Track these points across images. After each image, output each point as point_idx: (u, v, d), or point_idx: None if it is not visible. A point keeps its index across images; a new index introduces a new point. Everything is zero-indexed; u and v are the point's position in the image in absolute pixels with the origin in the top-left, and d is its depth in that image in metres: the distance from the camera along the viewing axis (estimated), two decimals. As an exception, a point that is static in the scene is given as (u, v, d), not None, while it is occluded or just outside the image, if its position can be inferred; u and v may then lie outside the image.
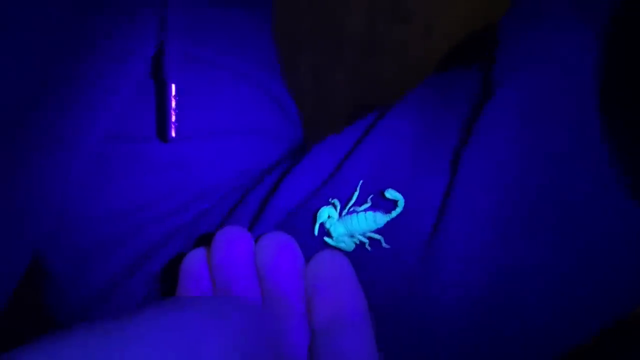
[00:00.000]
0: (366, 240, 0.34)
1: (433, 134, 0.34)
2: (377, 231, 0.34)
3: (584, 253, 0.32)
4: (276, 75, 0.41)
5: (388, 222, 0.34)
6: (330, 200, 0.34)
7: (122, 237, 0.35)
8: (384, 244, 0.34)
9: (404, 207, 0.34)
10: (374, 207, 0.34)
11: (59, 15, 0.33)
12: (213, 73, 0.37)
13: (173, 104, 0.35)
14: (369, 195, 0.34)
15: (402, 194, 0.34)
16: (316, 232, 0.34)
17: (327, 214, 0.34)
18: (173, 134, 0.35)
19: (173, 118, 0.35)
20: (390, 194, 0.34)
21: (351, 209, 0.34)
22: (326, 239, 0.34)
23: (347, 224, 0.34)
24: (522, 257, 0.32)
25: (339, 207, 0.34)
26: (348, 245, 0.34)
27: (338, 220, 0.34)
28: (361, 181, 0.34)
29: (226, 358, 0.26)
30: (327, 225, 0.34)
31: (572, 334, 0.34)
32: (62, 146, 0.34)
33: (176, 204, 0.36)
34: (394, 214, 0.34)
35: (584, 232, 0.32)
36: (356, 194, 0.34)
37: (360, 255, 0.34)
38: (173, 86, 0.35)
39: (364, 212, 0.34)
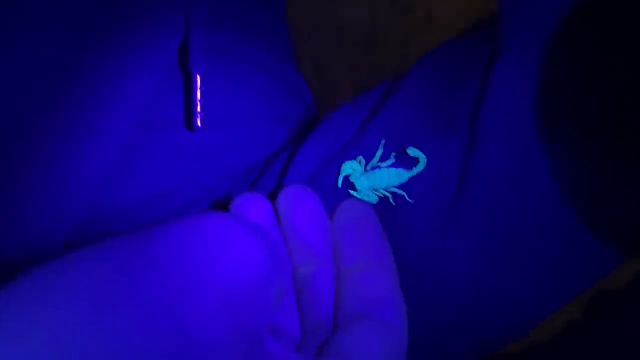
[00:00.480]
0: (389, 195, 0.35)
1: (450, 96, 0.36)
2: (401, 187, 0.35)
3: None
4: (293, 64, 0.42)
5: (411, 179, 0.35)
6: (354, 157, 0.36)
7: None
8: (407, 199, 0.35)
9: (426, 165, 0.35)
10: (397, 164, 0.35)
11: (90, 8, 0.33)
12: (234, 63, 0.38)
13: (198, 94, 0.36)
14: (392, 153, 0.35)
15: (424, 153, 0.35)
16: (339, 184, 0.35)
17: (350, 168, 0.35)
18: (199, 123, 0.36)
19: (199, 108, 0.36)
20: (412, 151, 0.35)
21: (375, 166, 0.35)
22: (351, 191, 0.35)
23: (371, 179, 0.35)
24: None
25: (363, 163, 0.35)
26: (372, 198, 0.35)
27: (362, 174, 0.35)
28: (383, 140, 0.36)
29: None
30: (352, 179, 0.35)
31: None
32: (91, 137, 0.34)
33: (202, 189, 0.37)
34: (415, 170, 0.35)
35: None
36: (379, 151, 0.36)
37: (384, 209, 0.35)
38: (198, 77, 0.36)
39: (387, 168, 0.35)
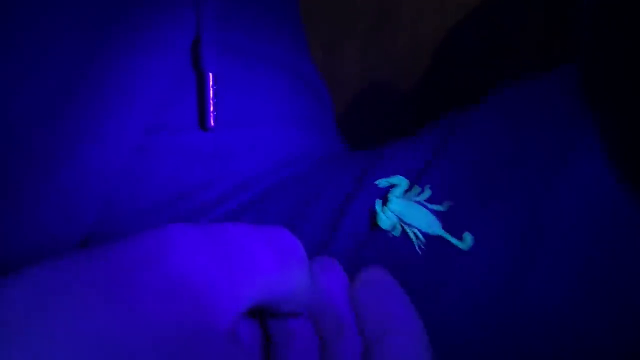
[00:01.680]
0: (412, 235, 0.33)
1: (515, 163, 0.33)
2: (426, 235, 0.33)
3: None
4: (307, 57, 0.41)
5: (441, 239, 0.33)
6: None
7: None
8: (416, 248, 0.33)
9: (470, 246, 0.33)
10: (440, 217, 0.33)
11: (100, 8, 0.33)
12: (249, 61, 0.37)
13: (211, 93, 0.35)
14: (443, 201, 0.33)
15: (472, 226, 0.32)
16: (381, 184, 0.34)
17: (399, 181, 0.34)
18: (212, 123, 0.35)
19: (211, 107, 0.35)
20: (466, 235, 0.33)
21: (417, 200, 0.34)
22: (377, 204, 0.33)
23: (405, 207, 0.33)
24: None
25: (411, 191, 0.34)
26: (394, 226, 0.33)
27: (402, 197, 0.34)
28: (429, 186, 0.34)
29: None
30: (391, 194, 0.34)
31: None
32: (104, 138, 0.34)
33: (217, 193, 0.36)
34: (453, 240, 0.33)
35: None
36: (428, 191, 0.34)
37: (402, 248, 0.33)
38: (211, 75, 0.35)
39: (426, 209, 0.33)
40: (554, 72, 0.35)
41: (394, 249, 0.34)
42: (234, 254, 0.24)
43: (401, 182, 0.34)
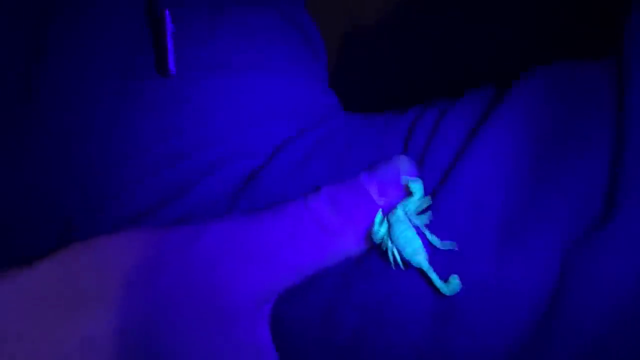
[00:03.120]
0: (390, 256, 0.30)
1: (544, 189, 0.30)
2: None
3: None
4: (301, 4, 0.37)
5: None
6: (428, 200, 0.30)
7: (145, 172, 0.33)
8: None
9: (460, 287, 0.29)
10: (429, 250, 0.30)
11: None
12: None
13: (169, 34, 0.31)
14: (452, 243, 0.30)
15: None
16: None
17: (415, 188, 0.30)
18: (172, 68, 0.31)
19: (170, 51, 0.31)
20: (453, 279, 0.29)
21: (417, 224, 0.30)
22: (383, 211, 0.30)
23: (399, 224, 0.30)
24: None
25: (421, 214, 0.30)
26: (380, 238, 0.30)
27: (411, 211, 0.30)
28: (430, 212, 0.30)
29: None
30: (398, 208, 0.30)
31: None
32: (74, 97, 0.32)
33: (200, 138, 0.33)
34: (436, 281, 0.29)
35: None
36: (418, 200, 0.30)
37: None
38: (167, 14, 0.31)
39: (418, 236, 0.30)
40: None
41: None
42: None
43: (417, 189, 0.30)
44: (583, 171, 0.29)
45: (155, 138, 0.32)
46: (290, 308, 0.31)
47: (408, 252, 0.30)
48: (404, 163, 0.30)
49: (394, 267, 0.30)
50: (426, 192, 0.31)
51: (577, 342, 0.28)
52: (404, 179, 0.30)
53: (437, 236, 0.30)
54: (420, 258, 0.30)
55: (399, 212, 0.30)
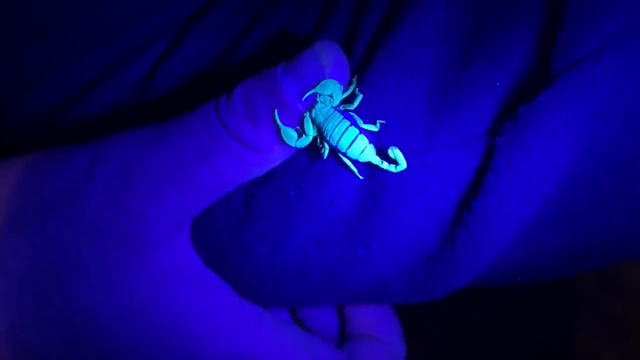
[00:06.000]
0: (323, 147, 0.29)
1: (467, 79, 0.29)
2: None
3: None
4: None
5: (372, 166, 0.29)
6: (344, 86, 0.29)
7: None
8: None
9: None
10: (370, 136, 0.29)
11: None
12: None
13: None
14: (380, 121, 0.29)
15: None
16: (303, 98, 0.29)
17: (331, 91, 0.28)
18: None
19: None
20: (394, 153, 0.29)
21: (346, 111, 0.29)
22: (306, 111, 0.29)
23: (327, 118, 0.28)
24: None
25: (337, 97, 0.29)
26: (309, 131, 0.28)
27: (331, 107, 0.28)
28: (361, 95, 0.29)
29: None
30: (318, 100, 0.28)
31: None
32: None
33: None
34: (383, 165, 0.29)
35: None
36: (359, 98, 0.29)
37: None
38: None
39: (351, 124, 0.28)
40: None
41: None
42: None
43: (336, 90, 0.28)
44: (518, 38, 0.28)
45: (91, 11, 0.31)
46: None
47: (353, 151, 0.28)
48: (325, 50, 0.28)
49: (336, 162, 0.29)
50: (353, 65, 0.30)
51: (503, 225, 0.27)
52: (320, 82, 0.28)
53: (370, 107, 0.29)
54: (368, 155, 0.29)
55: (325, 108, 0.28)
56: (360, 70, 0.30)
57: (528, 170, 0.27)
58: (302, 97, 0.28)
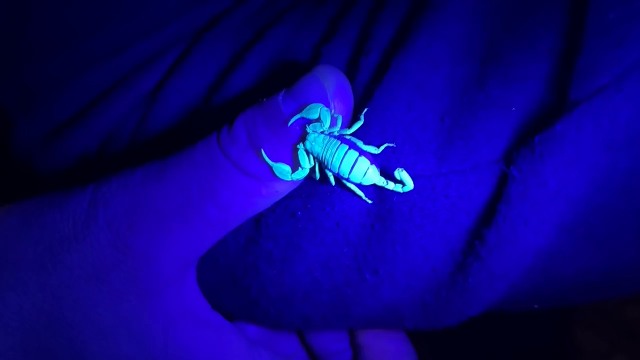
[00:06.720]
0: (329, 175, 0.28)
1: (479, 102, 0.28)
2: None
3: None
4: None
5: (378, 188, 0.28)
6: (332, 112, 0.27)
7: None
8: (365, 199, 0.28)
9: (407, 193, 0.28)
10: (372, 157, 0.28)
11: None
12: None
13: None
14: (388, 144, 0.28)
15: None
16: (289, 123, 0.27)
17: (317, 115, 0.27)
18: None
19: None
20: (400, 175, 0.27)
21: (342, 135, 0.28)
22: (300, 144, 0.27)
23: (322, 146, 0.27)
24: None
25: (330, 126, 0.27)
26: (303, 164, 0.27)
27: (326, 135, 0.27)
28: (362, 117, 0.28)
29: None
30: (309, 130, 0.27)
31: None
32: None
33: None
34: (389, 185, 0.28)
35: None
36: (359, 123, 0.28)
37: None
38: None
39: (349, 148, 0.27)
40: None
41: None
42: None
43: (317, 110, 0.27)
44: (535, 60, 0.27)
45: (95, 25, 0.30)
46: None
47: (355, 175, 0.27)
48: (326, 74, 0.27)
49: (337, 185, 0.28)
50: (362, 80, 0.29)
51: (517, 256, 0.26)
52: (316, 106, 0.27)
53: (379, 130, 0.28)
54: (371, 177, 0.27)
55: (319, 137, 0.27)
56: (369, 88, 0.29)
57: (543, 201, 0.26)
58: (288, 124, 0.27)
